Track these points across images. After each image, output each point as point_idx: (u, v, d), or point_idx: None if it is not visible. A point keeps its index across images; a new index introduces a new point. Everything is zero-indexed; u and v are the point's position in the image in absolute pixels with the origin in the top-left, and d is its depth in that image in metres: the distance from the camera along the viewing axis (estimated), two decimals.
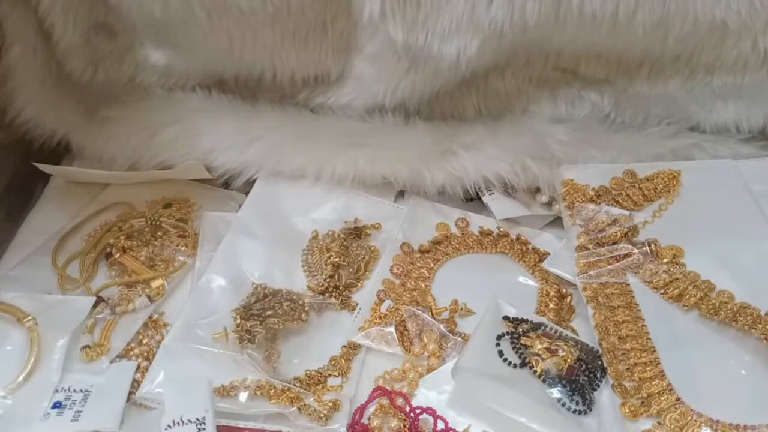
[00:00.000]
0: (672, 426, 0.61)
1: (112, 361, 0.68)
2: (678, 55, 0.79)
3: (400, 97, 0.82)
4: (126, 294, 0.73)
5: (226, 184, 0.86)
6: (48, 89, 0.83)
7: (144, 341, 0.70)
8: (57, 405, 0.63)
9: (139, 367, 0.68)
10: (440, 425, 0.63)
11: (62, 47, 0.80)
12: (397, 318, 0.71)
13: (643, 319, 0.68)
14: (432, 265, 0.77)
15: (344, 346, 0.70)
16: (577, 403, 0.63)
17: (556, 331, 0.68)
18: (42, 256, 0.78)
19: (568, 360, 0.65)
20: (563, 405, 0.62)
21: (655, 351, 0.66)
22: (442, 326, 0.70)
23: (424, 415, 0.64)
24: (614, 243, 0.74)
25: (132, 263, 0.76)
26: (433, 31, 0.75)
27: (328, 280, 0.75)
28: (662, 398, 0.62)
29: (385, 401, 0.65)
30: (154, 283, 0.74)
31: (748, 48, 0.77)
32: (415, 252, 0.79)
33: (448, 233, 0.81)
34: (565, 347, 0.66)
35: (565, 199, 0.79)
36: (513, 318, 0.69)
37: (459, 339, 0.70)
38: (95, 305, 0.72)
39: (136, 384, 0.66)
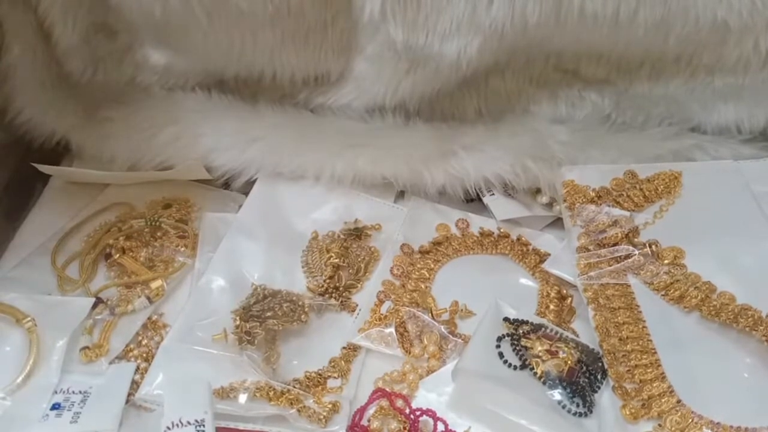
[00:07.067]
0: (673, 428, 0.61)
1: (111, 363, 0.68)
2: (679, 55, 0.79)
3: (401, 98, 0.82)
4: (125, 295, 0.73)
5: (226, 185, 0.85)
6: (48, 89, 0.83)
7: (143, 342, 0.70)
8: (56, 406, 0.63)
9: (138, 368, 0.68)
10: (440, 427, 0.63)
11: (62, 47, 0.80)
12: (397, 319, 0.71)
13: (644, 321, 0.68)
14: (432, 266, 0.77)
15: (344, 348, 0.70)
16: (578, 405, 0.63)
17: (556, 333, 0.68)
18: (41, 256, 0.77)
19: (569, 362, 0.65)
20: (564, 407, 0.62)
21: (656, 353, 0.65)
22: (442, 327, 0.70)
23: (424, 417, 0.64)
24: (615, 244, 0.74)
25: (131, 264, 0.76)
26: (433, 31, 0.75)
27: (328, 281, 0.75)
28: (663, 400, 0.62)
29: (384, 403, 0.65)
30: (154, 284, 0.73)
31: (749, 48, 0.77)
32: (416, 253, 0.79)
33: (449, 234, 0.81)
34: (566, 349, 0.66)
35: (565, 200, 0.79)
36: (513, 319, 0.69)
37: (459, 340, 0.69)
38: (94, 306, 0.71)
39: (135, 385, 0.66)
